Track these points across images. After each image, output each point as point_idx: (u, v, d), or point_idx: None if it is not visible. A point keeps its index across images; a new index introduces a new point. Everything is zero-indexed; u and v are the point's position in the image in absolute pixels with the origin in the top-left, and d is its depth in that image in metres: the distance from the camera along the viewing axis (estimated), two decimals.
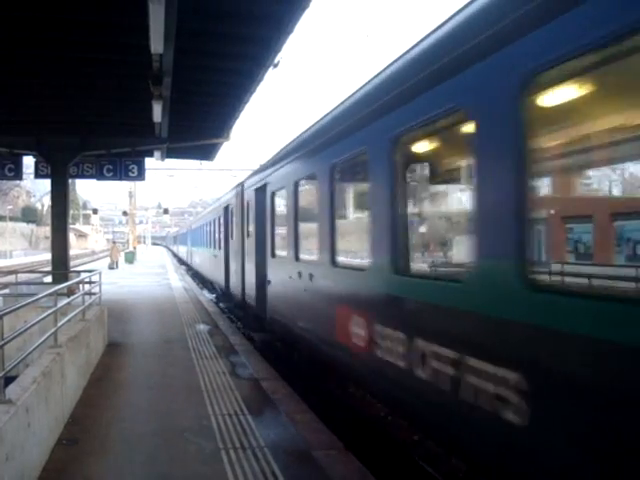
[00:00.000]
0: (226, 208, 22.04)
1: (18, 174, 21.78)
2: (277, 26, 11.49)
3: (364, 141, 7.45)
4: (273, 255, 13.08)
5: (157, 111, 14.32)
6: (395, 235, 6.59)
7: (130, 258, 55.80)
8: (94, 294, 13.50)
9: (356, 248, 8.40)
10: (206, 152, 25.38)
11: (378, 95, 7.17)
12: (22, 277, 22.49)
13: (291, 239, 11.14)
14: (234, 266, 19.39)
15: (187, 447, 7.00)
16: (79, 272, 17.40)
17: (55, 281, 17.63)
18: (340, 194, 8.86)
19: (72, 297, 11.47)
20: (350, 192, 9.20)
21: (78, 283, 13.90)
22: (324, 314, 9.11)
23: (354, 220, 8.67)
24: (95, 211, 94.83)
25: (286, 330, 11.98)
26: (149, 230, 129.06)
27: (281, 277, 12.20)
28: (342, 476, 6.10)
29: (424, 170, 7.32)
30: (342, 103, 8.80)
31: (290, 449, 6.90)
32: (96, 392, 9.54)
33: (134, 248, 65.88)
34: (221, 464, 6.44)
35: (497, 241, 4.70)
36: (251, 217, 15.87)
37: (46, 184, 22.06)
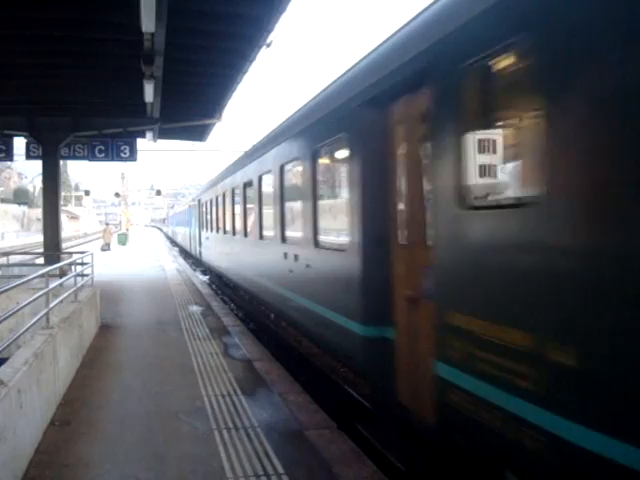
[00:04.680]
0: (189, 207, 38.75)
1: (9, 155, 21.65)
2: (269, 5, 11.37)
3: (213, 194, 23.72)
4: (205, 229, 27.39)
5: (149, 91, 14.21)
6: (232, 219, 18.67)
7: (123, 240, 55.58)
8: (86, 276, 13.45)
9: (218, 225, 21.78)
10: (198, 133, 25.26)
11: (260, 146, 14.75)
12: (14, 259, 22.36)
13: (204, 223, 27.47)
14: (193, 238, 34.63)
15: (180, 428, 7.01)
16: (71, 253, 17.33)
17: (47, 263, 17.56)
18: (215, 207, 22.79)
19: (64, 278, 11.40)
20: (218, 207, 21.96)
21: (70, 264, 13.85)
22: (213, 253, 24.30)
23: (219, 215, 21.67)
24: (87, 193, 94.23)
25: (207, 265, 27.93)
26: (142, 212, 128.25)
27: (203, 240, 28.29)
28: (335, 456, 6.11)
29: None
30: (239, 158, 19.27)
31: (283, 429, 6.92)
32: (89, 373, 9.53)
33: (127, 230, 65.70)
34: (214, 444, 6.45)
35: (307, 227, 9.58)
36: (197, 213, 31.57)
37: (38, 165, 21.85)
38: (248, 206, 15.32)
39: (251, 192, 14.70)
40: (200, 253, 30.06)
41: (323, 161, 9.11)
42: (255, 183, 13.97)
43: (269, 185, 12.52)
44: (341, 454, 6.18)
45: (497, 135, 5.14)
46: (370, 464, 6.01)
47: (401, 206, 6.45)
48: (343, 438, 6.71)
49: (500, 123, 5.15)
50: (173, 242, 63.25)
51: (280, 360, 10.62)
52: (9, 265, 19.26)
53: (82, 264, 13.75)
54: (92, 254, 14.78)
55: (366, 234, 6.99)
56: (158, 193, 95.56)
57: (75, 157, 21.89)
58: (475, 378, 4.68)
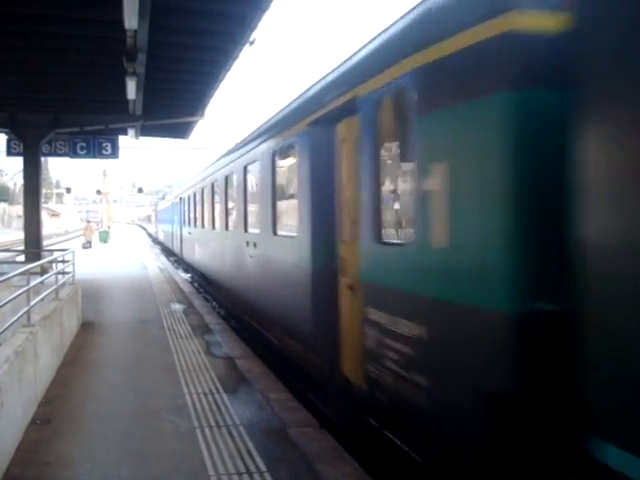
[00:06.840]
0: (173, 203, 37.65)
1: None
2: (253, 3, 11.34)
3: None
4: (187, 225, 27.19)
5: (131, 88, 14.13)
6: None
7: (104, 237, 55.28)
8: (67, 273, 13.37)
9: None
10: (181, 130, 25.13)
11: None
12: None
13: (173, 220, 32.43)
14: (177, 233, 33.20)
15: (162, 426, 7.00)
16: (52, 251, 17.22)
17: (28, 260, 17.42)
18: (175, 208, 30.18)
19: (45, 276, 11.34)
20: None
21: (51, 262, 13.76)
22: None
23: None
24: (68, 190, 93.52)
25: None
26: (124, 210, 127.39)
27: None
28: (317, 453, 6.14)
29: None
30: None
31: (265, 427, 6.93)
32: (70, 371, 9.49)
33: (108, 228, 65.32)
34: (196, 442, 6.45)
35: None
36: (179, 210, 31.08)
37: (18, 162, 21.74)
38: None
39: None
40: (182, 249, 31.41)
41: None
42: None
43: None
44: (323, 452, 6.21)
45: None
46: (352, 461, 6.04)
47: None
48: (325, 436, 6.73)
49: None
50: (157, 241, 62.09)
51: (262, 358, 10.64)
52: None
53: (63, 262, 13.66)
54: (73, 252, 14.68)
55: None
56: (140, 191, 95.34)
57: (56, 154, 21.81)
58: None
